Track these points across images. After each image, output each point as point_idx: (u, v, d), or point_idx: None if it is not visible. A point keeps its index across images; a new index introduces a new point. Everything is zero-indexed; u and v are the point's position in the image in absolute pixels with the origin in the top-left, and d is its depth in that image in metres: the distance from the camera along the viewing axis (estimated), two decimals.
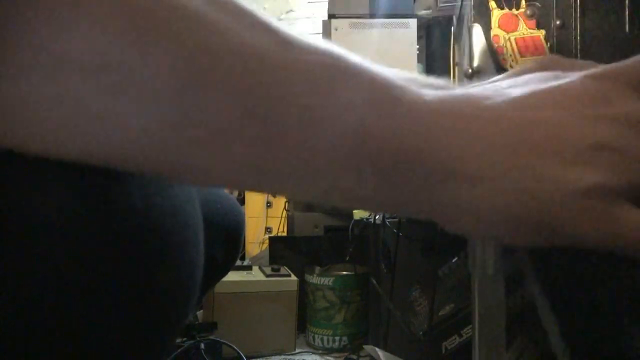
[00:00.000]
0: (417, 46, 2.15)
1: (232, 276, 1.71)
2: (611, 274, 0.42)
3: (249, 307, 1.71)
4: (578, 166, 0.28)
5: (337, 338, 1.80)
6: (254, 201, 3.32)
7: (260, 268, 1.90)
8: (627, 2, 0.61)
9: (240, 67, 0.26)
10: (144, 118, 0.25)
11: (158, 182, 0.33)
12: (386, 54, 2.04)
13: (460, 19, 1.19)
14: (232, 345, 1.53)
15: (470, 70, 0.98)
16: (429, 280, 1.23)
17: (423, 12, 2.05)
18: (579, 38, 0.71)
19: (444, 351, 1.19)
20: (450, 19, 1.63)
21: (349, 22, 2.13)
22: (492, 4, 1.13)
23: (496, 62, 0.91)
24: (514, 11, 1.13)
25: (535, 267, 0.48)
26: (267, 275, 1.79)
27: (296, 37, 0.28)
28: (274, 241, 2.13)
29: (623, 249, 0.29)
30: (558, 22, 0.77)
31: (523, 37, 0.90)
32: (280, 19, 2.50)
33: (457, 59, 1.37)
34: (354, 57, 0.29)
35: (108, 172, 0.28)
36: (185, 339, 1.47)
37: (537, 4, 1.10)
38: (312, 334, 1.84)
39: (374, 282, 1.58)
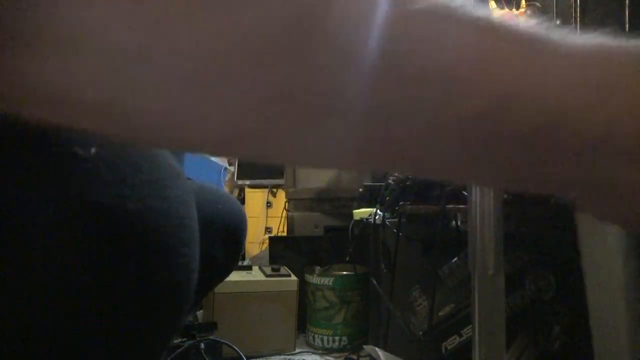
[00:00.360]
0: None
1: (232, 276, 1.69)
2: None
3: (249, 307, 1.71)
4: None
5: (337, 338, 1.80)
6: (254, 201, 3.32)
7: (260, 268, 1.90)
8: (627, 2, 0.61)
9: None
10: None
11: (152, 184, 0.32)
12: None
13: None
14: (232, 345, 1.53)
15: None
16: (429, 280, 1.23)
17: None
18: None
19: (444, 351, 1.19)
20: None
21: None
22: (493, 4, 1.14)
23: None
24: (514, 11, 1.13)
25: None
26: (267, 275, 1.80)
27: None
28: (274, 241, 2.13)
29: None
30: (558, 22, 0.77)
31: None
32: None
33: None
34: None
35: (99, 175, 0.28)
36: (185, 339, 1.47)
37: (537, 4, 1.10)
38: (312, 334, 1.84)
39: (374, 282, 1.58)
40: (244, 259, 2.70)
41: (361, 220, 1.73)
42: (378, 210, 1.55)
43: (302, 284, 1.84)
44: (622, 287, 0.47)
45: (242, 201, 3.28)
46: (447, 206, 1.19)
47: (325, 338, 1.81)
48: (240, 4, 0.20)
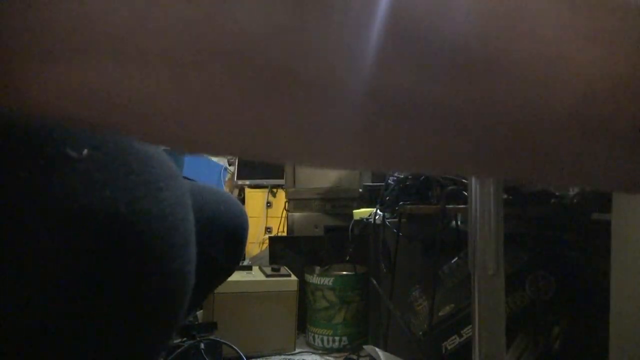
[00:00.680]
0: None
1: (232, 276, 1.70)
2: None
3: (249, 307, 1.71)
4: None
5: (337, 338, 1.80)
6: (254, 201, 3.32)
7: (260, 268, 1.90)
8: None
9: None
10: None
11: (146, 186, 0.32)
12: None
13: None
14: (232, 345, 1.53)
15: None
16: (429, 280, 1.23)
17: None
18: None
19: (444, 351, 1.19)
20: None
21: None
22: None
23: None
24: None
25: None
26: (267, 275, 1.80)
27: None
28: (274, 241, 2.14)
29: None
30: None
31: None
32: None
33: None
34: None
35: (90, 177, 0.27)
36: (185, 339, 1.47)
37: None
38: (312, 334, 1.84)
39: (374, 282, 1.58)
40: (244, 259, 2.70)
41: (361, 220, 1.73)
42: (378, 210, 1.55)
43: (302, 284, 1.85)
44: None
45: (242, 201, 3.28)
46: (447, 206, 1.19)
47: (325, 338, 1.81)
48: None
